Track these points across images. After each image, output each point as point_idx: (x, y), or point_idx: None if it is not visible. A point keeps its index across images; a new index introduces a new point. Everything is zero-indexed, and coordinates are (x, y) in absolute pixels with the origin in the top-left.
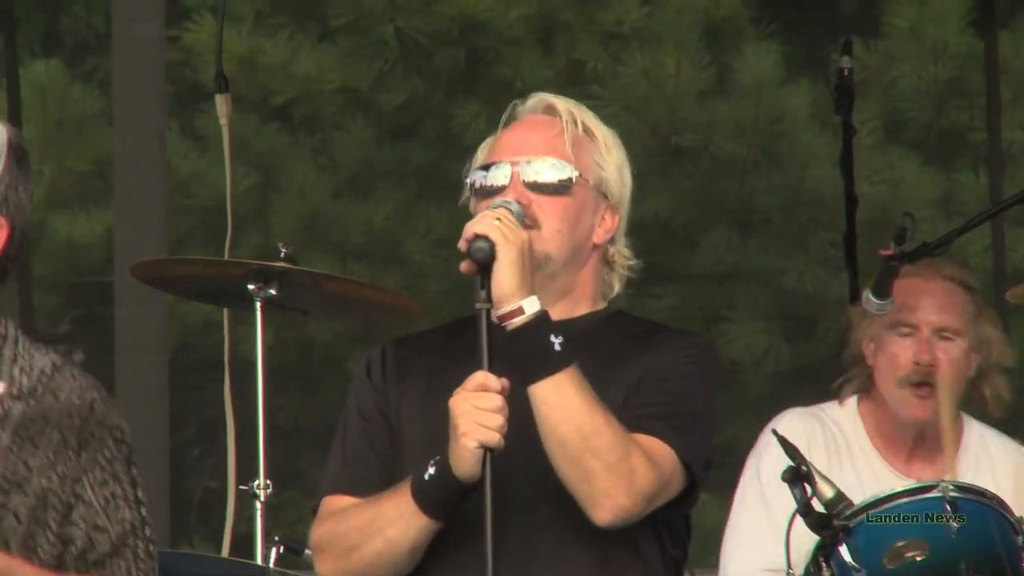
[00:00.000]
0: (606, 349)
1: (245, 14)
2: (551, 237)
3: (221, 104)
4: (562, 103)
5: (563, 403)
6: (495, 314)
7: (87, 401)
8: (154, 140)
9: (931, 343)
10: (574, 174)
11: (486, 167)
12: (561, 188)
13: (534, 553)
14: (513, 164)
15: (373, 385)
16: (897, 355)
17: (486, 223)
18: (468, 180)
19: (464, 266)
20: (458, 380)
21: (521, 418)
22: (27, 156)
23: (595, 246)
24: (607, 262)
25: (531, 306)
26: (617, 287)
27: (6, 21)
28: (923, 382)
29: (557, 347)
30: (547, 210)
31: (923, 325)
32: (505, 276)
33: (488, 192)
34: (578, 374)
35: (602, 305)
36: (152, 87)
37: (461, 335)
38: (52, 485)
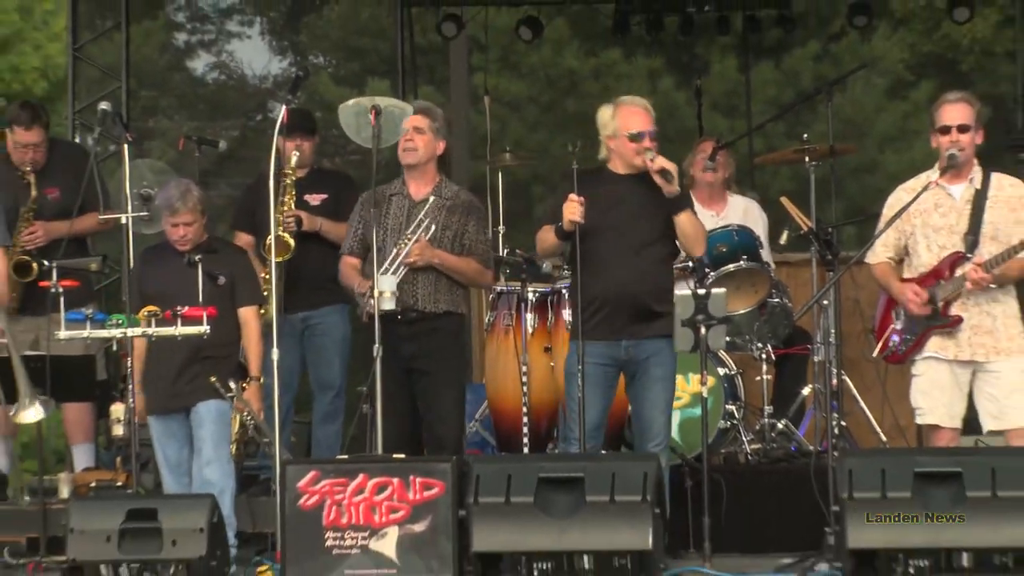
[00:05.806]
0: None
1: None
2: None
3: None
4: (642, 100)
5: (691, 221)
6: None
7: (474, 202)
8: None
9: (709, 165)
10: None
11: (639, 132)
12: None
13: (636, 249)
14: (648, 131)
15: (558, 197)
16: (697, 164)
17: (660, 162)
18: (623, 132)
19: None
20: (588, 193)
21: (639, 203)
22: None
23: None
24: None
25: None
26: None
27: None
28: (707, 169)
29: (684, 197)
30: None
31: (699, 167)
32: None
33: (638, 139)
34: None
35: None
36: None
37: (594, 175)
38: (460, 228)
